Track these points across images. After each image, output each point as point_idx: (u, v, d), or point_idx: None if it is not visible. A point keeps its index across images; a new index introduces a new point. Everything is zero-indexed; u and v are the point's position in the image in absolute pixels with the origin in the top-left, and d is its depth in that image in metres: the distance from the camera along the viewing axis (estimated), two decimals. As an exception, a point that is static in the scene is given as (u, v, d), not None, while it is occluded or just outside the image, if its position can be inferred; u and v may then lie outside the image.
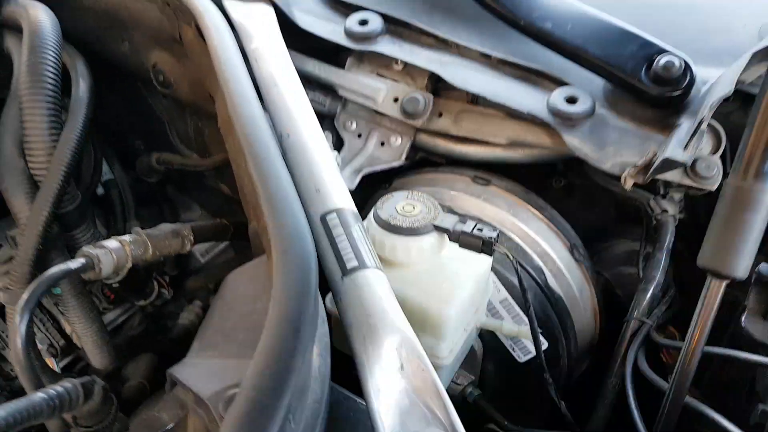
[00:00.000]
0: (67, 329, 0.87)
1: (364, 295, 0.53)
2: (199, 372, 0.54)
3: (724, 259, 0.45)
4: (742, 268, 0.45)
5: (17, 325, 0.51)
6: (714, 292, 0.47)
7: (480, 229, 0.64)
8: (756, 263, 0.76)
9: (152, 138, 1.18)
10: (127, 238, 0.60)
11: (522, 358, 0.77)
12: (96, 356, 0.80)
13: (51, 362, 0.90)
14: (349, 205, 0.60)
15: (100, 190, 1.07)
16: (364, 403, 0.48)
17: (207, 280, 1.09)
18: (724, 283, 0.46)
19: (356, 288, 0.53)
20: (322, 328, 0.50)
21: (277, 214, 0.48)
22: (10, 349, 0.88)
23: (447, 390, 0.76)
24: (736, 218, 0.45)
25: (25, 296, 0.53)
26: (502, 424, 0.73)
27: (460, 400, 0.76)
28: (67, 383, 0.50)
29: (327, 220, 0.58)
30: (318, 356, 0.48)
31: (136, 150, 1.23)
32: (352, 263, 0.55)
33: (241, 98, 0.59)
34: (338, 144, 0.91)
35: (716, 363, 0.83)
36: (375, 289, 0.53)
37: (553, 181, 0.98)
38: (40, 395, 0.46)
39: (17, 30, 0.85)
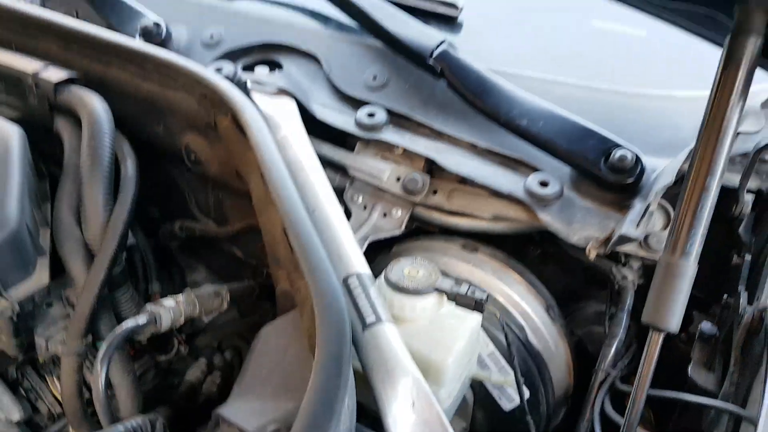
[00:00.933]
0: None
1: (381, 345, 0.65)
2: (241, 410, 0.65)
3: (661, 316, 0.59)
4: (674, 323, 0.59)
5: (99, 370, 0.62)
6: (654, 342, 0.60)
7: (473, 291, 0.77)
8: (700, 320, 0.91)
9: (169, 206, 1.30)
10: (181, 297, 0.72)
11: (507, 406, 0.89)
12: (127, 405, 0.88)
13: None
14: (365, 270, 0.73)
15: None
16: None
17: (213, 339, 1.17)
18: (662, 335, 0.60)
19: (375, 339, 0.65)
20: (350, 372, 0.62)
21: (316, 276, 0.60)
22: (41, 400, 0.96)
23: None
24: (667, 286, 0.59)
25: (104, 346, 0.63)
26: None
27: (454, 444, 0.87)
28: (138, 419, 0.60)
29: (348, 283, 0.71)
30: (348, 396, 0.60)
31: (150, 217, 1.34)
32: (370, 318, 0.67)
33: (281, 181, 0.72)
34: (346, 215, 1.05)
35: (677, 412, 0.96)
36: (390, 339, 0.66)
37: (530, 249, 1.13)
38: (120, 428, 0.56)
39: (69, 115, 0.98)
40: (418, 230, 1.10)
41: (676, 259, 0.58)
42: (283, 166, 0.75)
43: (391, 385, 0.61)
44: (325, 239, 0.76)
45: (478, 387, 0.89)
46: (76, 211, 0.87)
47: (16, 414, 0.89)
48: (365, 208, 1.05)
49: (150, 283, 1.16)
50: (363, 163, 1.03)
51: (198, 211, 1.23)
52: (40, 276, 0.81)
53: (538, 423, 0.90)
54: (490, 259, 0.98)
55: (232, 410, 0.65)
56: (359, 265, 0.73)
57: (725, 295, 0.94)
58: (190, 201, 1.24)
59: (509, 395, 0.89)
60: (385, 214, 1.04)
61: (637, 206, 0.90)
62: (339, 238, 0.75)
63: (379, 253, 1.06)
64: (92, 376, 0.65)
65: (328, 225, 0.77)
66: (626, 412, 0.62)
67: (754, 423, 0.65)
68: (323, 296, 0.58)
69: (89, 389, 0.98)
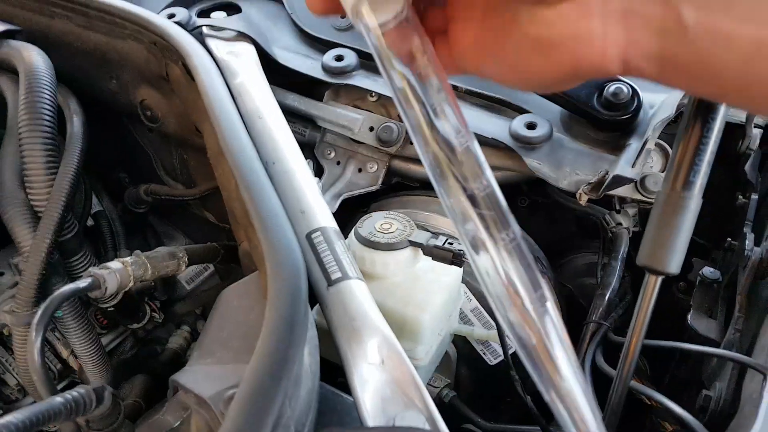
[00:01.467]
0: (63, 353, 0.90)
1: (347, 302, 0.59)
2: (199, 377, 0.59)
3: (659, 258, 0.52)
4: (674, 264, 0.52)
5: (33, 339, 0.56)
6: (651, 287, 0.54)
7: (450, 243, 0.71)
8: (700, 267, 0.85)
9: (137, 170, 1.23)
10: (128, 259, 0.65)
11: (492, 361, 0.84)
12: (95, 375, 0.84)
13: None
14: (331, 223, 0.67)
15: (90, 222, 1.11)
16: (350, 398, 0.54)
17: (194, 305, 1.13)
18: (660, 279, 0.54)
19: (340, 296, 0.59)
20: (311, 331, 0.56)
21: (269, 231, 0.54)
22: (9, 372, 0.91)
23: (426, 393, 0.82)
24: (667, 222, 0.52)
25: (39, 312, 0.57)
26: (477, 422, 0.78)
27: (437, 402, 0.81)
28: (81, 389, 0.54)
29: (312, 238, 0.64)
30: (309, 355, 0.54)
31: (120, 182, 1.27)
32: (336, 275, 0.61)
33: (231, 131, 0.65)
34: (318, 171, 0.98)
35: (673, 363, 0.91)
36: (357, 296, 0.59)
37: (519, 200, 1.06)
38: (58, 399, 0.50)
39: (10, 71, 0.90)
40: (400, 186, 1.03)
41: (678, 190, 0.50)
42: (234, 114, 0.68)
43: (357, 343, 0.55)
44: (286, 193, 0.69)
45: (461, 343, 0.83)
46: (21, 173, 0.80)
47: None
48: (338, 163, 0.98)
49: (118, 250, 1.10)
50: (332, 113, 0.95)
51: (164, 174, 1.16)
52: (-18, 244, 0.75)
53: (525, 378, 0.84)
54: (474, 211, 0.92)
55: (188, 376, 0.60)
56: (324, 219, 0.66)
57: (728, 239, 0.87)
58: (156, 163, 1.17)
59: (494, 350, 0.83)
60: (360, 169, 0.97)
61: (634, 145, 0.83)
62: (301, 192, 0.68)
63: (356, 212, 0.99)
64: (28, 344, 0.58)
65: (289, 178, 0.70)
66: (619, 362, 0.56)
67: (763, 372, 0.60)
68: (275, 252, 0.52)
69: (61, 361, 0.94)
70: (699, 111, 0.49)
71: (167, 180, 1.16)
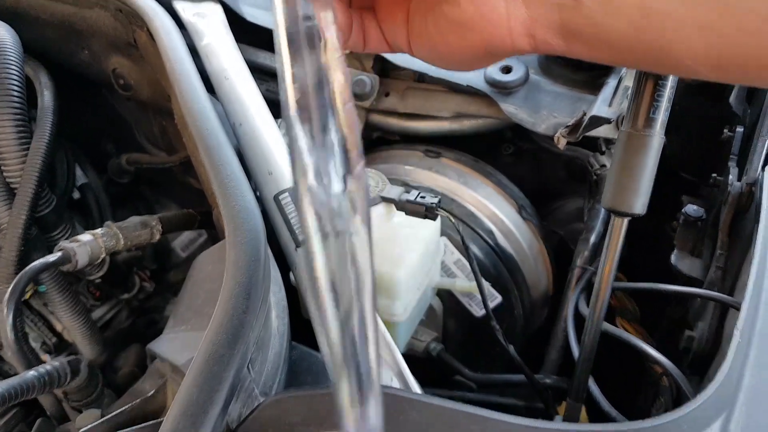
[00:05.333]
0: (58, 327, 0.92)
1: (315, 263, 0.58)
2: (173, 344, 0.60)
3: (623, 199, 0.51)
4: (639, 205, 0.51)
5: (5, 315, 0.57)
6: (617, 229, 0.53)
7: (423, 197, 0.70)
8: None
9: (122, 140, 1.23)
10: (99, 231, 0.65)
11: (478, 312, 0.84)
12: (86, 347, 0.85)
13: (46, 358, 0.95)
14: (300, 183, 0.66)
15: (76, 195, 1.12)
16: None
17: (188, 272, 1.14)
18: (626, 220, 0.52)
19: (309, 257, 0.59)
20: (279, 294, 0.56)
21: (226, 195, 0.53)
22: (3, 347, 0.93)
23: (411, 347, 0.83)
24: (630, 161, 0.51)
25: (9, 289, 0.58)
26: (465, 374, 0.79)
27: (425, 355, 0.82)
28: (55, 362, 0.55)
29: (280, 200, 0.63)
30: (276, 318, 0.54)
31: (108, 153, 1.27)
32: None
33: (190, 93, 0.64)
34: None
35: (668, 305, 0.90)
36: (326, 256, 0.59)
37: (503, 147, 1.04)
38: (31, 373, 0.51)
39: (-22, 47, 0.89)
40: (381, 140, 1.01)
41: (638, 127, 0.49)
42: (194, 76, 0.66)
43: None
44: (254, 154, 0.68)
45: (447, 296, 0.83)
46: (-7, 150, 0.79)
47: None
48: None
49: (105, 222, 1.10)
50: (304, 69, 0.92)
51: (146, 142, 1.15)
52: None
53: (513, 326, 0.85)
54: (455, 163, 0.90)
55: (164, 344, 0.61)
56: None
57: (713, 174, 0.85)
58: (138, 132, 1.16)
59: (480, 301, 0.83)
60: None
61: (612, 83, 0.80)
62: (269, 153, 0.67)
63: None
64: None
65: (256, 139, 0.69)
66: (590, 306, 0.56)
67: (738, 308, 0.59)
68: (233, 217, 0.51)
69: (56, 335, 0.96)
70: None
71: (150, 148, 1.15)
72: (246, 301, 0.45)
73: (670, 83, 0.47)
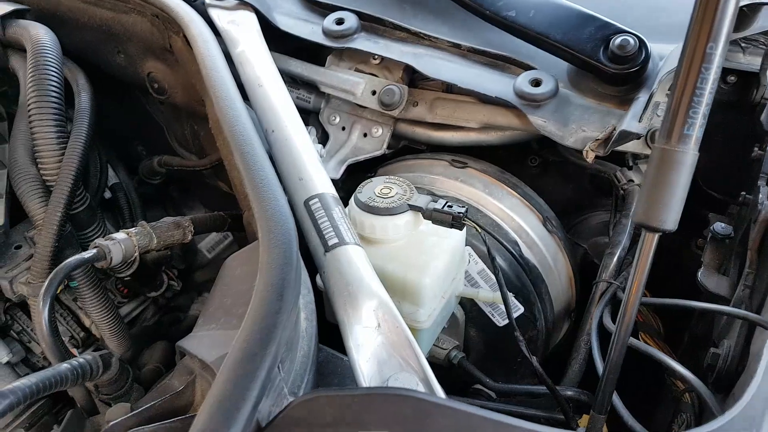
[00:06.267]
0: (86, 322, 0.94)
1: (344, 267, 0.59)
2: (203, 342, 0.61)
3: (655, 215, 0.51)
4: (670, 221, 0.51)
5: (40, 309, 0.59)
6: (648, 245, 0.52)
7: (450, 206, 0.70)
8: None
9: (153, 142, 1.26)
10: (133, 230, 0.67)
11: (501, 322, 0.84)
12: (113, 343, 0.87)
13: (74, 352, 0.98)
14: (329, 190, 0.67)
15: (107, 194, 1.15)
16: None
17: (213, 273, 1.15)
18: (657, 236, 0.52)
19: (337, 261, 0.60)
20: (308, 297, 0.57)
21: (261, 199, 0.54)
22: (34, 341, 0.96)
23: (433, 354, 0.83)
24: (663, 177, 0.51)
25: (45, 283, 0.60)
26: (485, 383, 0.79)
27: (446, 363, 0.83)
28: (88, 355, 0.57)
29: (309, 205, 0.65)
30: (305, 320, 0.55)
31: (139, 155, 1.30)
32: (333, 240, 0.61)
33: (226, 100, 0.65)
34: (324, 137, 0.98)
35: (692, 322, 0.90)
36: (354, 261, 0.60)
37: (529, 160, 1.04)
38: (65, 365, 0.53)
39: (20, 49, 0.92)
40: (408, 149, 1.02)
41: (673, 144, 0.49)
42: (230, 82, 0.68)
43: (353, 308, 0.56)
44: (285, 161, 0.70)
45: (469, 305, 0.84)
46: (32, 149, 0.82)
47: (4, 356, 0.88)
48: (343, 129, 0.97)
49: (135, 221, 1.13)
50: (334, 78, 0.94)
51: (177, 145, 1.18)
52: (-5, 218, 0.78)
53: (535, 338, 0.85)
54: (481, 174, 0.91)
55: (193, 342, 0.62)
56: (322, 185, 0.67)
57: (743, 193, 0.85)
58: (169, 135, 1.19)
59: (502, 312, 0.83)
60: (365, 134, 0.96)
61: (642, 98, 0.80)
62: (300, 159, 0.69)
63: (364, 177, 0.99)
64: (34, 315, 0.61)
65: (288, 145, 0.70)
66: (617, 321, 0.56)
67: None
68: (267, 221, 0.52)
69: (84, 329, 0.98)
70: (693, 59, 0.47)
71: (180, 151, 1.17)
72: (279, 302, 0.46)
73: (706, 99, 0.47)
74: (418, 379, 0.52)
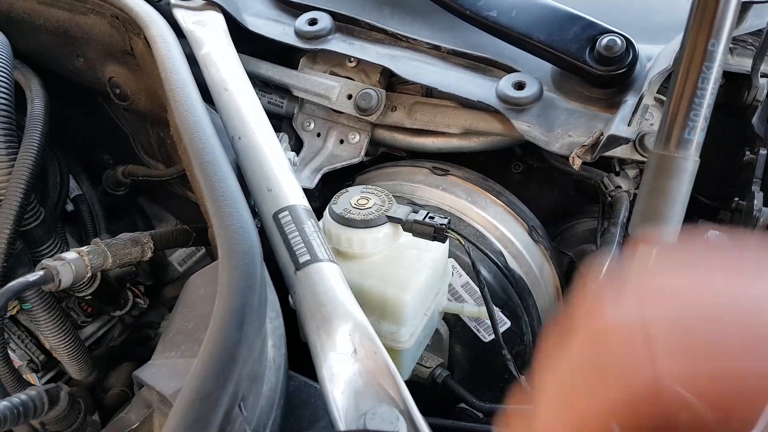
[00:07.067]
0: (46, 344, 0.88)
1: (316, 287, 0.54)
2: (162, 372, 0.56)
3: (652, 227, 0.47)
4: (669, 234, 0.47)
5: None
6: (644, 261, 0.49)
7: (432, 217, 0.66)
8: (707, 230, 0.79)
9: (120, 151, 1.19)
10: (85, 249, 0.61)
11: (487, 338, 0.79)
12: (72, 368, 0.81)
13: (32, 377, 0.91)
14: (301, 201, 0.62)
15: (70, 207, 1.08)
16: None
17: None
18: (655, 250, 0.48)
19: (309, 280, 0.55)
20: (276, 321, 0.52)
21: (221, 214, 0.49)
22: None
23: (416, 372, 0.78)
24: (660, 186, 0.47)
25: (-16, 312, 0.54)
26: (471, 402, 0.75)
27: (430, 382, 0.78)
28: (32, 391, 0.51)
29: (279, 218, 0.59)
30: (273, 347, 0.50)
31: (105, 164, 1.23)
32: (304, 257, 0.56)
33: (186, 104, 0.60)
34: (298, 144, 0.93)
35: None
36: (327, 280, 0.55)
37: (513, 166, 1.00)
38: (3, 403, 0.47)
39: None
40: (387, 156, 0.98)
41: (671, 149, 0.45)
42: (191, 86, 0.63)
43: (326, 332, 0.51)
44: (252, 170, 0.64)
45: (454, 320, 0.79)
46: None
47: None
48: (318, 135, 0.92)
49: (99, 235, 1.06)
50: (307, 82, 0.89)
51: (144, 154, 1.12)
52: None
53: (523, 353, 0.80)
54: (463, 182, 0.86)
55: (152, 371, 0.57)
56: (293, 197, 0.61)
57: (736, 199, 0.81)
58: (135, 143, 1.12)
59: (488, 327, 0.79)
60: (341, 141, 0.91)
61: (630, 101, 0.76)
62: (269, 168, 0.64)
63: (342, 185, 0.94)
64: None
65: (255, 154, 0.65)
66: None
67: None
68: (228, 238, 0.47)
69: (45, 352, 0.91)
70: (693, 57, 0.43)
71: (147, 160, 1.11)
72: (238, 332, 0.41)
73: (708, 101, 0.44)
74: (398, 412, 0.47)
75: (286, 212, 0.60)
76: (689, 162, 0.47)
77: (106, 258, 0.62)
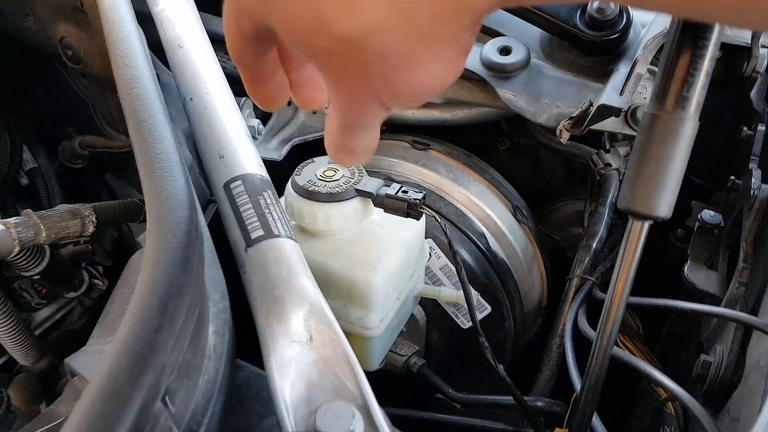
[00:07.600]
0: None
1: (269, 266, 0.48)
2: (96, 360, 0.50)
3: (645, 198, 0.41)
4: (664, 206, 0.41)
5: None
6: (636, 236, 0.43)
7: (405, 191, 0.60)
8: (699, 211, 0.74)
9: (82, 122, 1.12)
10: (12, 220, 0.55)
11: (466, 324, 0.74)
12: (18, 353, 0.75)
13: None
14: (257, 171, 0.55)
15: (25, 181, 1.01)
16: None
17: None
18: (647, 225, 0.43)
19: (261, 258, 0.49)
20: (220, 305, 0.46)
21: (153, 177, 0.43)
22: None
23: (390, 361, 0.73)
24: (655, 152, 0.41)
25: None
26: (447, 393, 0.70)
27: (405, 371, 0.73)
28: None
29: (231, 188, 0.53)
30: (214, 334, 0.44)
31: (67, 136, 1.16)
32: (257, 233, 0.50)
33: (126, 58, 0.53)
34: (267, 114, 0.86)
35: (670, 320, 0.81)
36: (282, 258, 0.49)
37: (498, 142, 0.95)
38: None
39: None
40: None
41: (668, 108, 0.39)
42: (135, 38, 0.56)
43: (278, 316, 0.45)
44: (204, 134, 0.58)
45: (431, 305, 0.73)
46: None
47: None
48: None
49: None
50: (277, 44, 0.82)
51: (105, 124, 1.04)
52: None
53: (503, 341, 0.75)
54: (444, 157, 0.80)
55: (84, 359, 0.51)
56: (249, 165, 0.55)
57: (732, 177, 0.76)
58: (96, 112, 1.05)
59: (467, 313, 0.73)
60: (314, 111, 0.85)
61: (623, 69, 0.70)
62: (222, 132, 0.57)
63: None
64: None
65: (207, 116, 0.58)
66: (599, 326, 0.46)
67: (769, 333, 0.50)
68: (158, 204, 0.41)
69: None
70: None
71: (108, 131, 1.04)
72: (160, 315, 0.34)
73: (710, 53, 0.37)
74: (354, 407, 0.41)
75: (239, 182, 0.53)
76: (688, 123, 0.40)
77: (38, 231, 0.56)
